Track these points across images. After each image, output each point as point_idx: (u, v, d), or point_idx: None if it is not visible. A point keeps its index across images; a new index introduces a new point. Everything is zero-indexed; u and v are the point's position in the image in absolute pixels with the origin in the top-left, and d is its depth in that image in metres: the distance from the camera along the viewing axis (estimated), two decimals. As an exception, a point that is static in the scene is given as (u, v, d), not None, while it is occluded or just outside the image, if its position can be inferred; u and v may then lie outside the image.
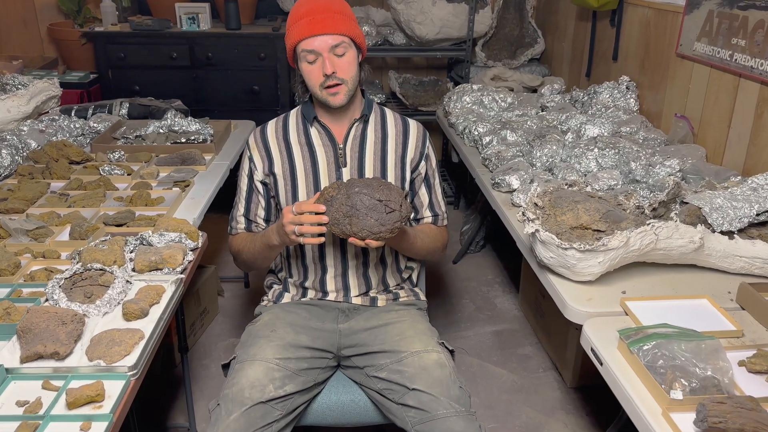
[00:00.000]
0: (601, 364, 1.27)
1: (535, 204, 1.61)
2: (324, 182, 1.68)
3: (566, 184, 1.71)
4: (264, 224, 1.76)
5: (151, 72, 3.51)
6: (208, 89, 3.54)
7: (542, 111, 2.80)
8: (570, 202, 1.59)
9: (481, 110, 2.78)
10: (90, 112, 2.72)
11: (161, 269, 1.46)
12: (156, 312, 1.32)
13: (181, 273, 1.48)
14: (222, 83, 3.52)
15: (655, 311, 1.39)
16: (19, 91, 2.51)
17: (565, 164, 2.14)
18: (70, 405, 1.07)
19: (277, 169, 1.69)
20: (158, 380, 2.37)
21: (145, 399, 2.29)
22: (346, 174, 1.69)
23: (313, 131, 1.70)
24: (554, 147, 2.22)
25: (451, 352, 1.65)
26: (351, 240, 1.46)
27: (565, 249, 1.45)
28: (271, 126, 1.74)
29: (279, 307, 1.73)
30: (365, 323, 1.68)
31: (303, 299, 1.75)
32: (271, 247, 1.62)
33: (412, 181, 1.76)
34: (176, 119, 2.53)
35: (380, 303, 1.76)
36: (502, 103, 2.79)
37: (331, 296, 1.74)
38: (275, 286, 1.83)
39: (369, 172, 1.70)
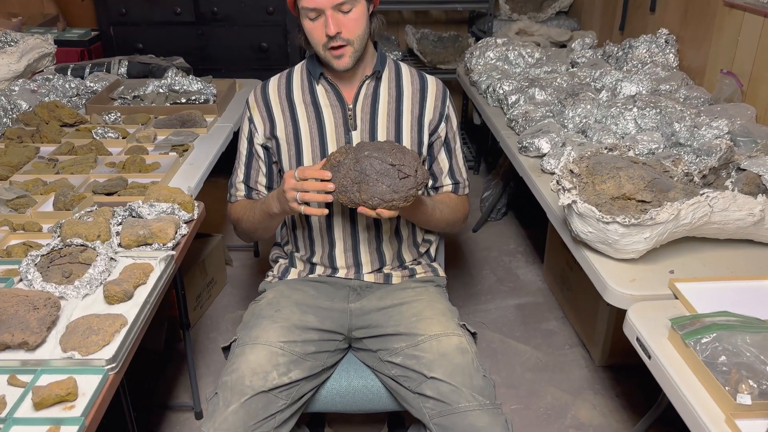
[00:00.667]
0: (649, 357, 1.11)
1: (571, 171, 1.42)
2: (331, 147, 1.51)
3: (606, 148, 1.51)
4: (265, 192, 1.60)
5: (154, 29, 3.32)
6: (214, 47, 3.35)
7: (573, 67, 2.58)
8: (611, 168, 1.41)
9: (506, 67, 2.57)
10: (87, 71, 2.55)
11: (150, 244, 1.31)
12: (142, 294, 1.17)
13: (173, 249, 1.32)
14: (228, 40, 3.32)
15: (710, 295, 1.21)
16: (9, 48, 2.34)
17: (601, 126, 1.94)
18: (37, 405, 0.93)
19: (280, 131, 1.52)
20: (162, 356, 2.25)
21: (149, 376, 2.17)
22: (356, 138, 1.51)
23: (320, 89, 1.52)
24: (588, 106, 2.01)
25: (473, 335, 1.49)
26: (361, 210, 1.29)
27: (607, 223, 1.27)
28: (273, 83, 1.56)
29: (284, 284, 1.58)
30: (378, 302, 1.52)
31: (311, 276, 1.60)
32: (272, 216, 1.46)
33: (430, 145, 1.58)
34: (177, 78, 2.36)
35: (395, 280, 1.60)
36: (529, 59, 2.57)
37: (341, 273, 1.58)
38: (281, 261, 1.67)
39: (382, 136, 1.52)
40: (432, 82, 1.58)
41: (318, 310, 1.50)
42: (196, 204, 1.47)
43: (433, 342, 1.39)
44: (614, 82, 2.24)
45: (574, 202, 1.31)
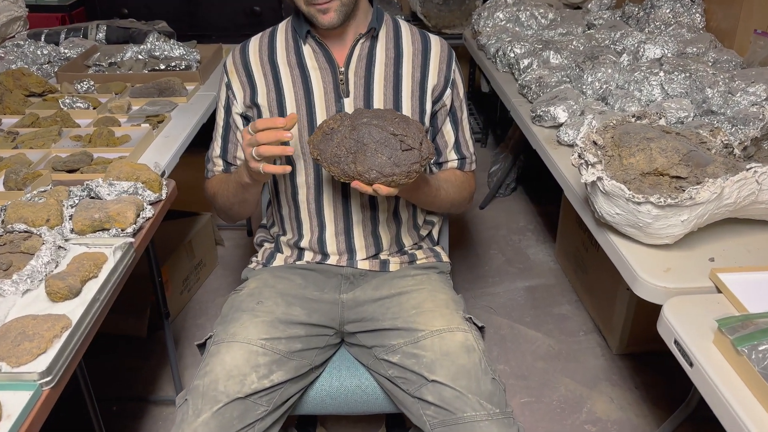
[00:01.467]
0: (691, 365, 0.93)
1: (594, 142, 1.23)
2: (320, 116, 1.32)
3: (633, 116, 1.32)
4: None
5: (140, -8, 3.11)
6: (204, 11, 3.14)
7: (589, 30, 2.36)
8: (640, 139, 1.21)
9: (517, 29, 2.35)
10: (62, 36, 2.35)
11: (108, 230, 1.14)
12: (91, 289, 1.00)
13: (133, 235, 1.15)
14: (218, 4, 3.11)
15: (759, 288, 1.03)
16: (-26, 11, 2.15)
17: (623, 92, 1.74)
18: (-51, 432, 0.76)
19: (261, 98, 1.33)
20: (144, 344, 2.10)
21: (129, 367, 2.02)
22: (349, 106, 1.32)
23: (307, 50, 1.33)
24: (609, 71, 1.81)
25: (481, 329, 1.31)
26: (355, 184, 1.12)
27: (639, 204, 1.09)
28: (254, 44, 1.37)
29: (269, 272, 1.40)
30: (374, 293, 1.35)
31: (298, 262, 1.42)
32: (244, 186, 1.28)
33: (433, 115, 1.39)
34: (158, 43, 2.16)
35: (392, 267, 1.42)
36: (542, 20, 2.35)
37: (333, 259, 1.41)
38: (266, 245, 1.50)
39: (379, 103, 1.33)
40: (436, 42, 1.39)
41: (306, 301, 1.33)
42: (164, 182, 1.29)
43: (434, 339, 1.22)
44: (636, 45, 2.03)
45: (600, 179, 1.12)
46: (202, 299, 2.33)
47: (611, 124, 1.29)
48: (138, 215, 1.16)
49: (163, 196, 1.28)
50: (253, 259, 1.49)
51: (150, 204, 1.24)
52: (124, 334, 2.11)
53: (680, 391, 1.87)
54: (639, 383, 1.95)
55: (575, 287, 2.35)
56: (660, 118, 1.32)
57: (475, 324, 1.29)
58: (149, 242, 1.50)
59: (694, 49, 2.02)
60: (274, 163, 1.20)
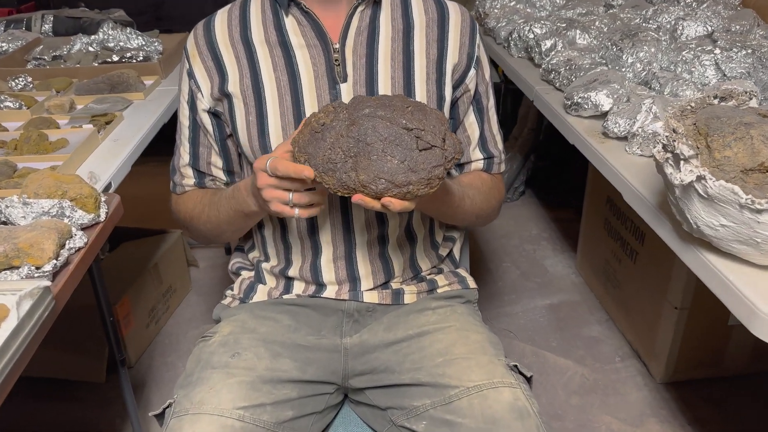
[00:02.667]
0: None
1: (673, 130, 0.93)
2: (310, 108, 1.01)
3: (715, 97, 1.02)
4: (224, 177, 1.10)
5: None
6: (172, 3, 2.81)
7: (609, 10, 2.08)
8: (736, 125, 0.91)
9: (529, 10, 2.06)
10: (1, 29, 2.01)
11: (17, 267, 0.81)
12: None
13: (54, 275, 0.82)
14: (187, -5, 2.79)
15: None
16: None
17: (671, 74, 1.44)
18: None
19: (233, 86, 1.01)
20: (104, 390, 1.76)
21: (84, 419, 1.68)
22: (347, 94, 1.01)
23: (290, 23, 1.01)
24: (652, 49, 1.51)
25: (529, 380, 1.00)
26: (357, 199, 0.81)
27: (760, 212, 0.78)
28: (221, 18, 1.05)
29: (248, 311, 1.08)
30: (386, 334, 1.04)
31: (286, 296, 1.10)
32: (248, 216, 0.99)
33: (454, 104, 1.08)
34: (112, 32, 1.83)
35: (408, 298, 1.10)
36: (559, 0, 2.06)
37: (331, 291, 1.09)
38: (243, 274, 1.18)
39: (385, 89, 1.02)
40: (455, 9, 1.07)
41: (297, 349, 1.01)
42: (103, 198, 0.97)
43: (473, 398, 0.90)
44: (673, 22, 1.73)
45: (702, 178, 0.81)
46: (172, 332, 2.00)
47: (689, 107, 0.99)
48: (61, 246, 0.83)
49: (102, 217, 0.96)
50: (228, 292, 1.17)
51: (81, 229, 0.91)
52: (79, 379, 1.77)
53: (741, 427, 1.57)
54: (692, 419, 1.65)
55: (605, 304, 2.05)
56: (750, 98, 1.03)
57: (522, 374, 0.98)
58: (95, 277, 1.18)
59: (738, 27, 1.73)
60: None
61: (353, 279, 1.09)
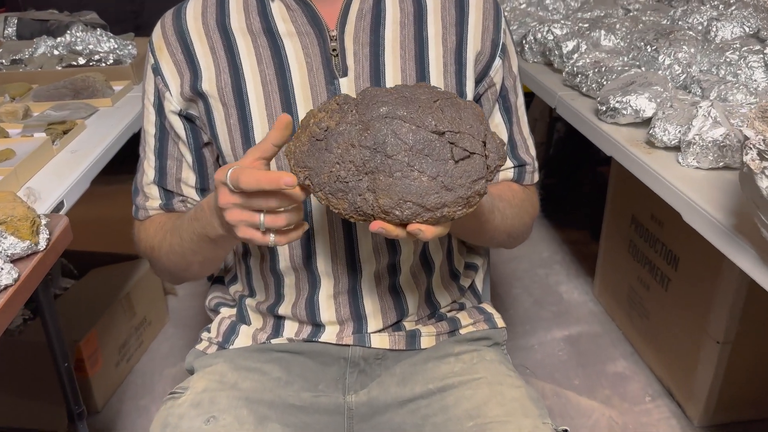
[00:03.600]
0: None
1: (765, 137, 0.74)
2: (304, 109, 0.81)
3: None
4: (198, 197, 0.89)
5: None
6: (152, 10, 2.61)
7: (628, 13, 1.91)
8: (841, 126, 0.73)
9: (541, 13, 1.89)
10: (-42, 32, 1.81)
11: None
12: None
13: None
14: (170, 2, 2.60)
15: None
16: None
17: (716, 78, 1.27)
18: None
19: (208, 84, 0.82)
20: (64, 441, 1.53)
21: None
22: (348, 90, 0.82)
23: (277, 8, 0.82)
24: (692, 50, 1.34)
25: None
26: (376, 227, 0.62)
27: None
28: (194, 4, 0.86)
29: (227, 359, 0.88)
30: (400, 390, 0.83)
31: (275, 340, 0.90)
32: (216, 242, 0.77)
33: (476, 101, 0.89)
34: (80, 34, 1.63)
35: (425, 342, 0.90)
36: (572, 2, 1.89)
37: (330, 333, 0.88)
38: (223, 311, 0.97)
39: (392, 83, 0.83)
40: None
41: (289, 411, 0.81)
42: (44, 222, 0.76)
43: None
44: (706, 23, 1.56)
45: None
46: (146, 370, 1.78)
47: (772, 106, 0.80)
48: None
49: (41, 245, 0.75)
50: (203, 335, 0.96)
51: (12, 261, 0.70)
52: (38, 428, 1.54)
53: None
54: (738, 469, 1.45)
55: (630, 336, 1.85)
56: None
57: (568, 438, 0.78)
58: (46, 316, 0.97)
59: (774, 29, 1.56)
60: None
61: (358, 318, 0.89)
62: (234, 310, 0.96)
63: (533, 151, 0.96)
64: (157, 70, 0.84)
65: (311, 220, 0.84)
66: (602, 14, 1.84)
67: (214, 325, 0.96)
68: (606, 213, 1.94)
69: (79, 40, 1.62)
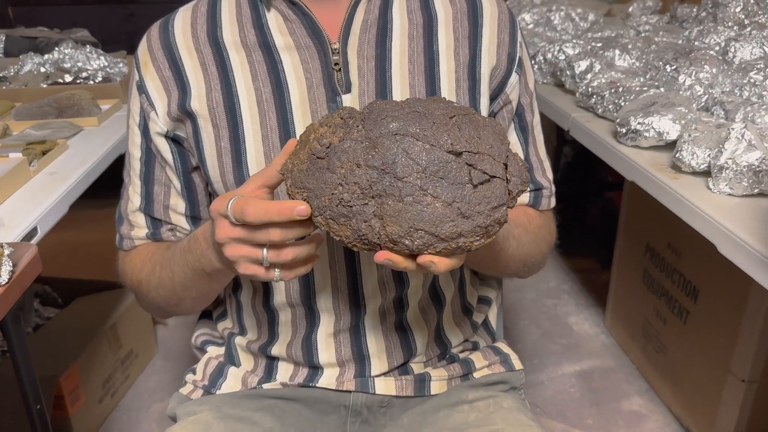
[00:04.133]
0: None
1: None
2: (302, 129, 0.73)
3: None
4: (188, 225, 0.81)
5: (67, 9, 2.53)
6: (144, 29, 2.56)
7: (640, 34, 1.85)
8: None
9: (549, 33, 1.82)
10: (-57, 50, 1.74)
11: None
12: None
13: None
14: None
15: None
16: None
17: (740, 99, 1.19)
18: None
19: (198, 102, 0.74)
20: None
21: None
22: (351, 105, 0.74)
23: (273, 19, 0.74)
24: (713, 70, 1.26)
25: None
26: (383, 258, 0.54)
27: None
28: (183, 16, 0.78)
29: (213, 406, 0.78)
30: (409, 443, 0.74)
31: (267, 385, 0.80)
32: (212, 276, 0.69)
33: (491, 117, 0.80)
34: (69, 51, 1.56)
35: (436, 387, 0.81)
36: (582, 23, 1.83)
37: (329, 377, 0.79)
38: (210, 351, 0.88)
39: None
40: (488, 1, 0.81)
41: (282, 468, 0.71)
42: (7, 252, 0.67)
43: None
44: (723, 44, 1.50)
45: None
46: (131, 406, 1.67)
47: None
48: None
49: (4, 278, 0.66)
50: (188, 377, 0.87)
51: (-37, 296, 0.61)
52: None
53: None
54: None
55: (645, 371, 1.75)
56: None
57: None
58: (16, 353, 0.88)
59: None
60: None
61: (360, 359, 0.79)
62: (222, 349, 0.87)
63: (550, 174, 0.88)
64: (142, 88, 0.76)
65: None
66: (613, 34, 1.78)
67: (200, 366, 0.86)
68: (618, 241, 1.85)
69: (67, 57, 1.55)
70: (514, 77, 0.80)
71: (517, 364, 0.88)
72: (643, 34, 1.78)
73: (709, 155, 0.98)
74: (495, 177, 0.55)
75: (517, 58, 0.80)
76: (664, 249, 1.61)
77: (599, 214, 2.35)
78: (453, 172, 0.54)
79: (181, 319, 1.99)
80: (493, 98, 0.80)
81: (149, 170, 0.79)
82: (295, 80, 0.73)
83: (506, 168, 0.57)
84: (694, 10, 1.88)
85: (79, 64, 1.54)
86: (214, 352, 0.87)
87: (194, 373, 0.86)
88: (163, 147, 0.77)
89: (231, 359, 0.84)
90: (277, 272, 0.58)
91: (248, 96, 0.73)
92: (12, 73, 1.52)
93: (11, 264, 0.68)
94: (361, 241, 0.55)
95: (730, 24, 1.74)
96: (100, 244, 1.60)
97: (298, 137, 0.72)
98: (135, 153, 0.79)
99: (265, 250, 0.57)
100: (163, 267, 0.74)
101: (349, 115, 0.58)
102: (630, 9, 2.06)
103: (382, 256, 0.54)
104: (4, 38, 1.77)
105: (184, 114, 0.74)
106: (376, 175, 0.54)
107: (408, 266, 0.55)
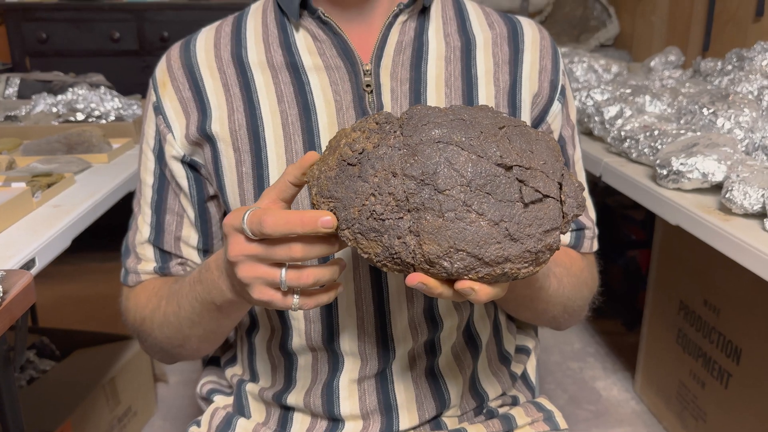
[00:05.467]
0: None
1: None
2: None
3: None
4: (200, 259, 0.73)
5: (84, 60, 2.53)
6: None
7: (665, 84, 1.81)
8: None
9: (574, 85, 1.79)
10: (-43, 92, 1.72)
11: None
12: None
13: None
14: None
15: None
16: None
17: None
18: None
19: (219, 125, 0.68)
20: None
21: None
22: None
23: (302, 39, 0.69)
24: (753, 113, 1.21)
25: None
26: (415, 281, 0.47)
27: None
28: (207, 36, 0.73)
29: (220, 462, 0.69)
30: None
31: (281, 437, 0.71)
32: (222, 310, 0.61)
33: (532, 148, 0.74)
34: (82, 92, 1.53)
35: (473, 446, 0.71)
36: (605, 74, 1.80)
37: (351, 430, 0.69)
38: (218, 400, 0.78)
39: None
40: (530, 25, 0.76)
41: None
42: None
43: None
44: (756, 92, 1.45)
45: None
46: (127, 469, 1.54)
47: None
48: None
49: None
50: (192, 429, 0.77)
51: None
52: None
53: None
54: None
55: (681, 441, 1.61)
56: None
57: None
58: (5, 408, 0.79)
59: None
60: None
61: (388, 410, 0.70)
62: (230, 399, 0.78)
63: (593, 214, 0.81)
64: (159, 109, 0.70)
65: (344, 280, 0.67)
66: (637, 84, 1.74)
67: (205, 418, 0.77)
68: (648, 299, 1.76)
69: (80, 98, 1.52)
70: (556, 106, 0.74)
71: (562, 423, 0.78)
72: (669, 85, 1.74)
73: (763, 195, 0.90)
74: (548, 197, 0.49)
75: (560, 86, 0.75)
76: (700, 306, 1.51)
77: (622, 275, 2.25)
78: (502, 187, 0.47)
79: (183, 375, 1.88)
80: (535, 126, 0.74)
81: (161, 198, 0.72)
82: (323, 102, 0.67)
83: (561, 188, 0.50)
84: (719, 63, 1.85)
85: (92, 105, 1.50)
86: (222, 401, 0.78)
87: (198, 425, 0.77)
88: (179, 172, 0.71)
89: (240, 409, 0.75)
90: (296, 299, 0.51)
91: (273, 119, 0.67)
92: (23, 113, 1.49)
93: (1, 290, 0.60)
94: (393, 261, 0.48)
95: (757, 75, 1.70)
96: (104, 298, 1.53)
97: (336, 133, 0.66)
98: (147, 179, 0.73)
99: (283, 270, 0.49)
100: (169, 301, 0.66)
101: (386, 120, 0.52)
102: (652, 63, 2.03)
103: (415, 279, 0.47)
104: (18, 81, 1.75)
105: (204, 137, 0.68)
106: (414, 186, 0.47)
107: (443, 293, 0.48)
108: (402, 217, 0.47)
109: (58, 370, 1.58)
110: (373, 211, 0.48)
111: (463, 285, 0.47)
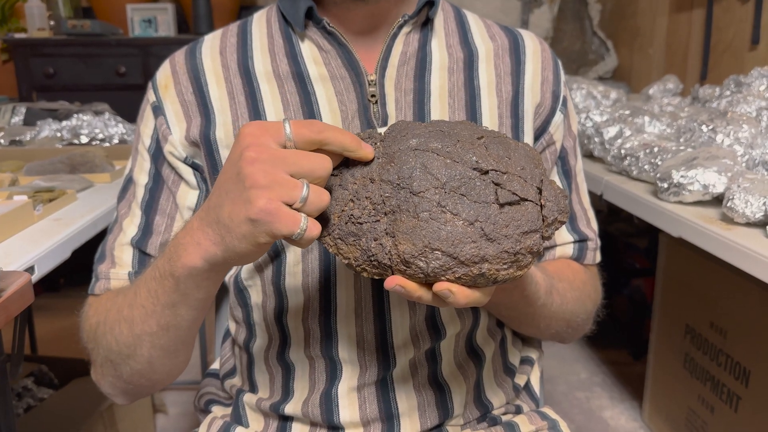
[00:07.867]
0: None
1: None
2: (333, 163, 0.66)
3: None
4: None
5: (90, 94, 2.56)
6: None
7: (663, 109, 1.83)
8: None
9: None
10: (-37, 121, 1.74)
11: None
12: None
13: None
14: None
15: None
16: None
17: (784, 158, 1.13)
18: None
19: (223, 132, 0.68)
20: None
21: None
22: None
23: (307, 49, 0.70)
24: (752, 130, 1.21)
25: None
26: (393, 283, 0.48)
27: None
28: (212, 43, 0.74)
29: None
30: None
31: (279, 447, 0.69)
32: (178, 286, 0.54)
33: (532, 159, 0.74)
34: (86, 118, 1.55)
35: (476, 455, 0.69)
36: (604, 100, 1.81)
37: (352, 438, 0.68)
38: (215, 410, 0.77)
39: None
40: (530, 37, 0.78)
41: None
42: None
43: None
44: (755, 113, 1.46)
45: None
46: (123, 500, 1.50)
47: None
48: None
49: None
50: (189, 439, 0.75)
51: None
52: None
53: None
54: None
55: (693, 469, 1.57)
56: None
57: None
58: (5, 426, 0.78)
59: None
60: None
61: (389, 418, 0.68)
62: (229, 410, 0.76)
63: (595, 225, 0.81)
64: (159, 110, 0.71)
65: (332, 291, 0.67)
66: (637, 106, 1.75)
67: (202, 428, 0.75)
68: (654, 325, 1.73)
69: (85, 123, 1.53)
70: (558, 116, 0.75)
71: (566, 430, 0.76)
72: (668, 110, 1.76)
73: (764, 203, 0.90)
74: (526, 200, 0.49)
75: (562, 97, 0.76)
76: (707, 329, 1.49)
77: (628, 304, 2.23)
78: (477, 189, 0.48)
79: (183, 407, 1.85)
80: (537, 136, 0.75)
81: (153, 198, 0.71)
82: (329, 112, 0.68)
83: (540, 192, 0.50)
84: (717, 90, 1.87)
85: (96, 130, 1.52)
86: (220, 411, 0.76)
87: (196, 435, 0.75)
88: (185, 170, 0.70)
89: (238, 419, 0.73)
90: (304, 219, 0.46)
91: (276, 130, 0.67)
92: (28, 138, 1.50)
93: (-6, 288, 0.60)
94: (371, 263, 0.48)
95: (756, 99, 1.72)
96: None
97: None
98: (141, 180, 0.72)
99: (305, 186, 0.46)
100: (126, 294, 0.62)
101: (369, 135, 0.54)
102: (650, 91, 2.05)
103: (393, 281, 0.47)
104: (24, 110, 1.78)
105: (204, 142, 0.68)
106: (390, 190, 0.48)
107: (422, 296, 0.47)
108: (379, 220, 0.48)
109: (56, 398, 1.56)
110: (351, 215, 0.49)
111: (440, 287, 0.46)
